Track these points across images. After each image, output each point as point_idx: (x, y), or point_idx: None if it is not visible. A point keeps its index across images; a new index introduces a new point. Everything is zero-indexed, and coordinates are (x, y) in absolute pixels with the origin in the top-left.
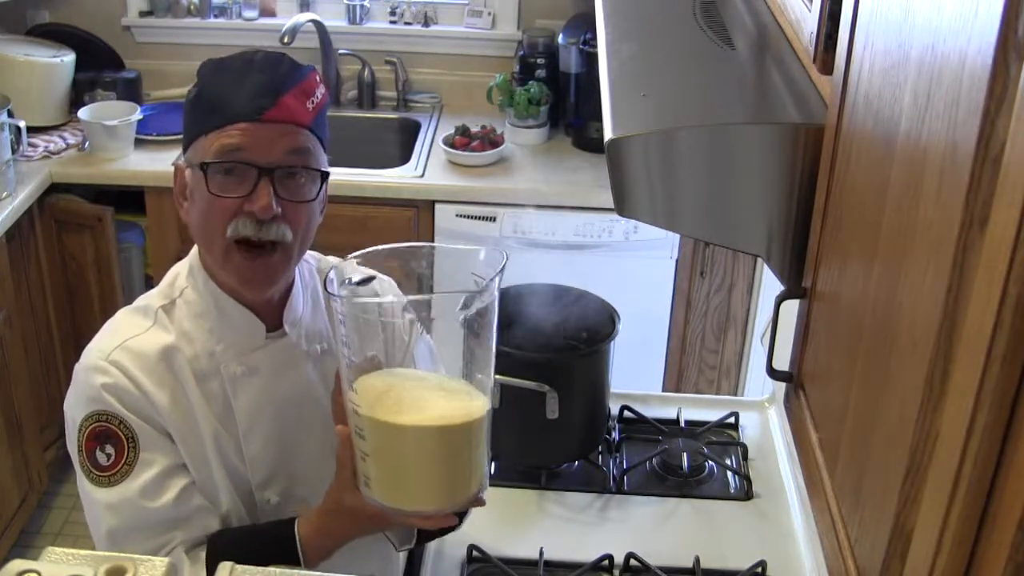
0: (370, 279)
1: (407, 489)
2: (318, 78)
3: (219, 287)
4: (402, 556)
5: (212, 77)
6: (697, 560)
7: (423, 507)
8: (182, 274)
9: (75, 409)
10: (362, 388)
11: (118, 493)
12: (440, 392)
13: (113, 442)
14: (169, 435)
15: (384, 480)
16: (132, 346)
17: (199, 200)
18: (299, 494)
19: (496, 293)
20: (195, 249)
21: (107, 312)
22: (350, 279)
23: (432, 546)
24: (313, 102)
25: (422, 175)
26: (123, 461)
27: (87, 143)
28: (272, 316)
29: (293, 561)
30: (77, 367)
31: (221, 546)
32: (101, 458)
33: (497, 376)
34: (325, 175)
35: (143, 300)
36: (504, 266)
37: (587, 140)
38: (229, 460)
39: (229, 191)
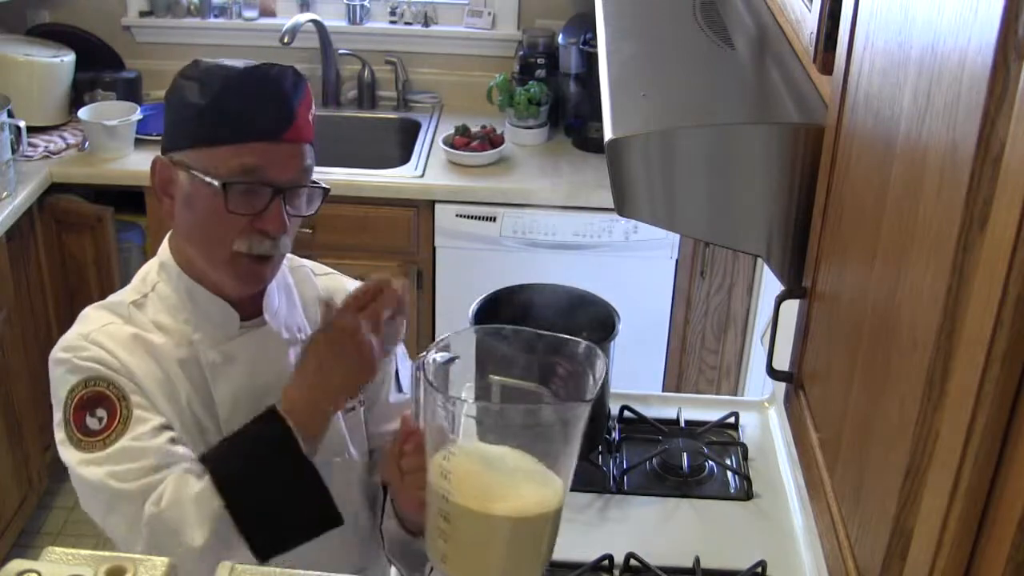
0: (454, 359)
1: (488, 570)
2: (308, 84)
3: (192, 279)
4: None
5: (227, 90)
6: (697, 560)
7: None
8: (152, 270)
9: (59, 389)
10: (451, 468)
11: (116, 447)
12: (521, 476)
13: (105, 404)
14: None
15: (465, 561)
16: (108, 330)
17: (204, 211)
18: None
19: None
20: (165, 244)
21: None
22: (435, 359)
23: None
24: (312, 115)
25: (422, 175)
26: (117, 420)
27: (87, 143)
28: (245, 307)
29: (289, 440)
30: (52, 355)
31: (215, 463)
32: (92, 423)
33: (496, 376)
34: (327, 191)
35: (113, 297)
36: (606, 376)
37: (587, 140)
38: (208, 444)
39: (244, 208)
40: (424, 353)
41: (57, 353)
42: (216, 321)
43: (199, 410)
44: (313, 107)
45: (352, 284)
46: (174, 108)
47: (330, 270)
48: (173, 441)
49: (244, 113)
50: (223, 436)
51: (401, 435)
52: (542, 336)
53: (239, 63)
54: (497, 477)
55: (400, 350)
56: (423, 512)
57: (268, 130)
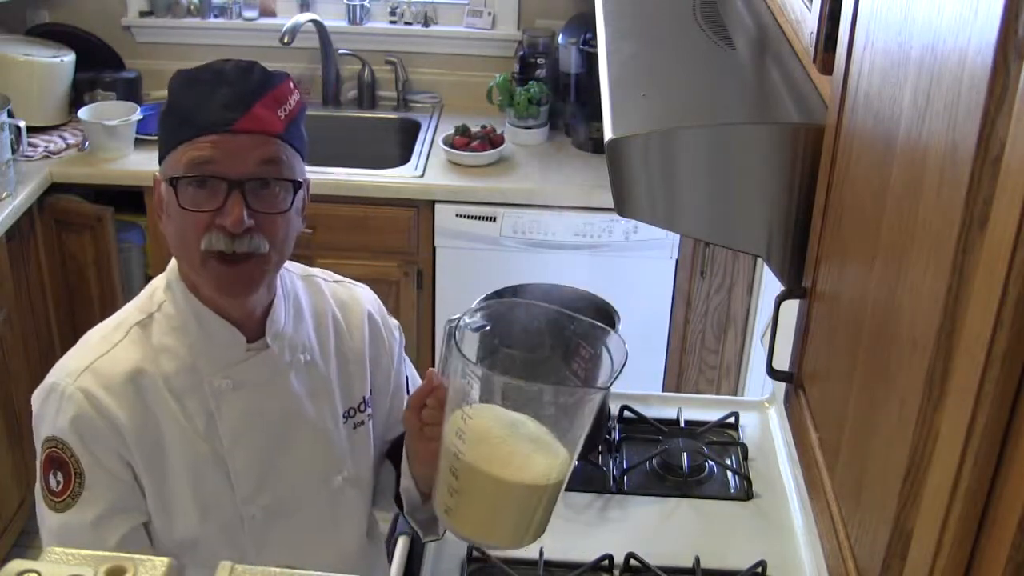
0: (484, 327)
1: (488, 527)
2: (292, 84)
3: (199, 299)
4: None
5: (182, 89)
6: (697, 560)
7: (498, 544)
8: (160, 288)
9: (40, 424)
10: (466, 430)
11: (61, 520)
12: (531, 445)
13: (63, 471)
14: (129, 470)
15: (467, 516)
16: (100, 368)
17: (173, 214)
18: (283, 508)
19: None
20: (173, 262)
21: (107, 312)
22: (466, 323)
23: (432, 546)
24: (285, 110)
25: (422, 175)
26: (68, 493)
27: (87, 143)
28: (253, 329)
29: None
30: (47, 381)
31: None
32: (52, 482)
33: (497, 377)
34: (298, 184)
35: (120, 315)
36: (623, 366)
37: (587, 140)
38: (207, 480)
39: (200, 205)
40: (459, 316)
41: (52, 385)
42: (221, 344)
43: (201, 441)
44: (291, 102)
45: (362, 292)
46: (158, 122)
47: (340, 277)
48: (119, 539)
49: (192, 108)
50: (225, 466)
51: (425, 387)
52: (573, 318)
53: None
54: (509, 442)
55: (406, 359)
56: (435, 464)
57: (217, 121)
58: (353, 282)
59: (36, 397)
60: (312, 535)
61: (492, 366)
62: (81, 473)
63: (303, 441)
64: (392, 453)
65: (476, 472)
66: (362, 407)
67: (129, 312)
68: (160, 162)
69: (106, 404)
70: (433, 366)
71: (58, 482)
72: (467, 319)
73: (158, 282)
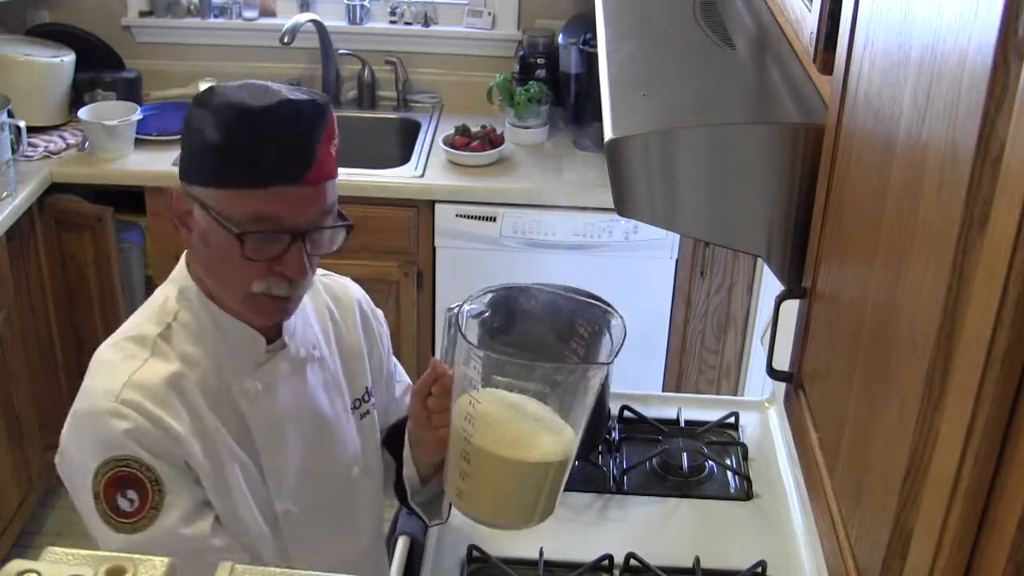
0: (483, 313)
1: (500, 508)
2: (331, 110)
3: (219, 307)
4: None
5: (241, 129)
6: (697, 560)
7: (510, 524)
8: (171, 297)
9: (85, 454)
10: (475, 414)
11: (145, 536)
12: (538, 424)
13: (137, 487)
14: (191, 470)
15: (480, 498)
16: (138, 381)
17: (220, 251)
18: (316, 500)
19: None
20: (183, 269)
21: (107, 312)
22: (468, 310)
23: (432, 546)
24: (335, 145)
25: (422, 175)
26: (148, 505)
27: (87, 143)
28: (267, 330)
29: None
30: (81, 411)
31: None
32: (123, 504)
33: (497, 377)
34: (351, 228)
35: (134, 330)
36: (623, 343)
37: (587, 140)
38: (251, 481)
39: (261, 255)
40: (459, 303)
41: (91, 409)
42: (243, 347)
43: (235, 445)
44: (337, 137)
45: (349, 283)
46: (190, 139)
47: (327, 271)
48: (209, 524)
49: (260, 157)
50: (260, 468)
51: (430, 376)
52: (567, 297)
53: (256, 92)
54: (516, 424)
55: (387, 346)
56: (441, 451)
57: (286, 175)
58: (336, 274)
59: (70, 432)
60: (337, 528)
61: (494, 350)
62: (157, 480)
63: (325, 435)
64: (387, 442)
65: (487, 455)
66: (366, 397)
67: (144, 326)
68: (187, 179)
69: (157, 414)
70: (435, 357)
71: (131, 501)
72: (467, 306)
73: (167, 291)
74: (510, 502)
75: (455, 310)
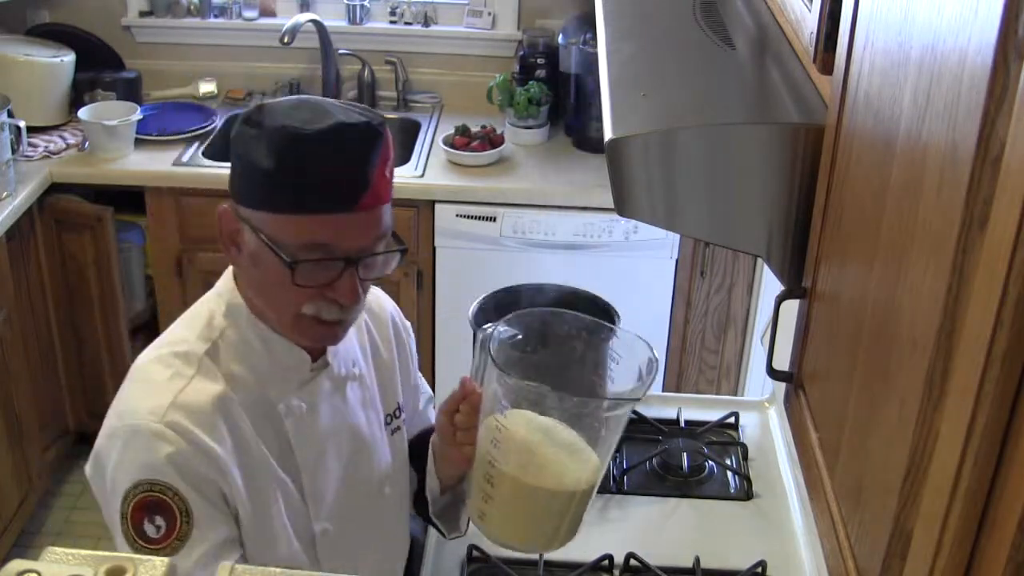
0: (516, 335)
1: (523, 533)
2: (388, 130)
3: (267, 326)
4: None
5: (294, 155)
6: (697, 560)
7: (532, 548)
8: (218, 313)
9: (121, 471)
10: (501, 439)
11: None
12: (564, 451)
13: (165, 515)
14: (226, 503)
15: (502, 522)
16: (184, 402)
17: (271, 274)
18: (351, 518)
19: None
20: (229, 286)
21: (107, 312)
22: (500, 332)
23: (432, 546)
24: (390, 168)
25: (422, 175)
26: (174, 535)
27: (87, 143)
28: (311, 349)
29: None
30: (123, 427)
31: None
32: (150, 530)
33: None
34: (405, 251)
35: (180, 345)
36: (653, 378)
37: (587, 140)
38: (291, 502)
39: (313, 281)
40: (492, 325)
41: (135, 428)
42: (289, 366)
43: (273, 463)
44: (392, 158)
45: (383, 296)
46: (240, 161)
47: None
48: (227, 571)
49: (314, 184)
50: (301, 488)
51: (459, 394)
52: (600, 324)
53: (309, 113)
54: (542, 450)
55: (414, 359)
56: (466, 467)
57: (339, 202)
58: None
59: (109, 446)
60: (368, 544)
61: (524, 374)
62: (187, 511)
63: (362, 453)
64: (409, 455)
65: (512, 481)
66: (397, 412)
67: (190, 342)
68: (241, 201)
69: (200, 438)
70: (459, 371)
71: (158, 528)
72: (500, 328)
73: (214, 305)
74: (532, 528)
75: (488, 331)
